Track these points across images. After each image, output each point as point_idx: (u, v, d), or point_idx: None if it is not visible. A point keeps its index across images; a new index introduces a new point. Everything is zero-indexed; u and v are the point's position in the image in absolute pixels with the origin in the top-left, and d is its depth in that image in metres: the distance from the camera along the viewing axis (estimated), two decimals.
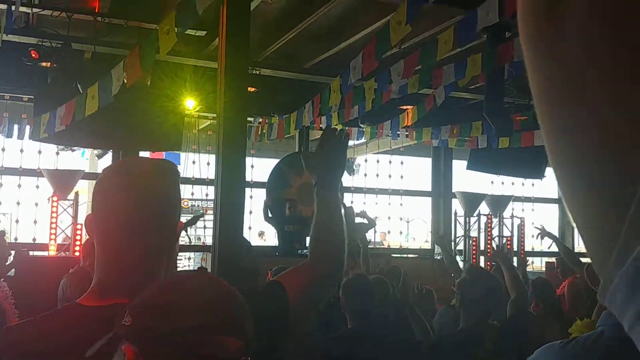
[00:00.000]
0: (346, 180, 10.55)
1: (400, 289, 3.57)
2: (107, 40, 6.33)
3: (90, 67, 6.37)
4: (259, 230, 11.13)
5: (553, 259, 9.23)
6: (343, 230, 1.51)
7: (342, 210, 1.56)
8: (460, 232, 10.61)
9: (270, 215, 8.44)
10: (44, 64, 6.00)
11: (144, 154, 7.99)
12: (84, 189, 8.84)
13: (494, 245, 9.78)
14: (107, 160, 8.87)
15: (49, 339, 1.15)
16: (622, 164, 0.38)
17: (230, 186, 6.22)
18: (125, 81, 4.41)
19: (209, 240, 9.32)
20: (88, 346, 1.07)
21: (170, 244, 1.25)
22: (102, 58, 6.42)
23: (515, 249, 10.69)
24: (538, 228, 6.10)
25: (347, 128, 9.09)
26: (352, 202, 9.62)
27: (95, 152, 9.10)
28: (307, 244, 6.99)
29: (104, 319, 1.10)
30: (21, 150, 7.95)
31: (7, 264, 4.33)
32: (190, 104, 7.71)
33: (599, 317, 1.60)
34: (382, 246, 11.10)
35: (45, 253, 7.49)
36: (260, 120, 8.69)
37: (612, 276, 0.40)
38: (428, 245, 11.05)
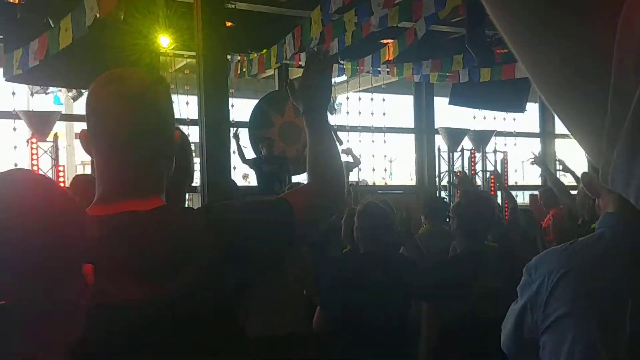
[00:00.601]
0: (329, 118, 10.47)
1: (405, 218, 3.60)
2: None
3: (60, 2, 6.15)
4: (242, 172, 11.11)
5: (536, 192, 9.35)
6: (339, 153, 1.50)
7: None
8: (444, 167, 10.68)
9: (246, 157, 8.40)
10: (10, 0, 5.79)
11: None
12: (62, 133, 8.72)
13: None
14: (83, 101, 8.71)
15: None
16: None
17: (214, 126, 6.14)
18: (99, 12, 4.27)
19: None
20: (103, 255, 1.07)
21: (169, 152, 1.24)
22: None
23: (498, 182, 10.80)
24: (535, 154, 6.10)
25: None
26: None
27: (70, 94, 8.92)
28: (289, 183, 6.99)
29: (114, 227, 1.12)
30: None
31: None
32: (164, 41, 7.51)
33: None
34: (367, 184, 11.15)
35: None
36: (239, 57, 8.52)
37: (609, 158, 0.41)
38: (413, 182, 11.11)
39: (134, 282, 1.08)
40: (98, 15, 4.82)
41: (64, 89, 8.57)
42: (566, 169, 6.12)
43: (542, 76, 0.47)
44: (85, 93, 6.73)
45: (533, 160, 5.89)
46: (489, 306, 2.74)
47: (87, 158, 1.24)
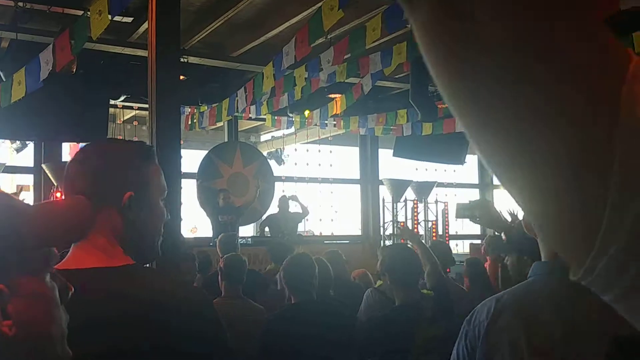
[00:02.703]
0: (276, 170, 10.63)
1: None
2: (29, 27, 6.11)
3: (11, 55, 6.13)
4: (191, 225, 11.01)
5: (478, 241, 9.68)
6: None
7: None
8: (388, 217, 10.92)
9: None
10: None
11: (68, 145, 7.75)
12: (8, 183, 8.50)
13: (398, 225, 10.10)
14: (27, 153, 8.55)
15: None
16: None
17: (166, 178, 6.14)
18: (54, 66, 4.29)
19: None
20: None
21: (112, 203, 1.30)
22: (21, 47, 6.19)
23: (440, 232, 11.11)
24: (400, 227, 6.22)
25: (276, 118, 9.17)
26: (283, 191, 9.70)
27: (14, 145, 8.74)
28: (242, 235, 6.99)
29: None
30: None
31: None
32: (115, 94, 7.55)
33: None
34: (314, 234, 11.26)
35: None
36: (189, 109, 8.61)
37: (595, 263, 0.40)
38: (358, 232, 11.29)
39: None
40: (51, 69, 4.84)
41: (7, 141, 8.39)
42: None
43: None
44: (30, 145, 6.64)
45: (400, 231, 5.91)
46: (431, 356, 2.83)
47: None
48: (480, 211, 5.11)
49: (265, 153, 11.01)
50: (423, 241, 4.13)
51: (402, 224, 10.57)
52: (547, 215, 0.44)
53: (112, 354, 1.12)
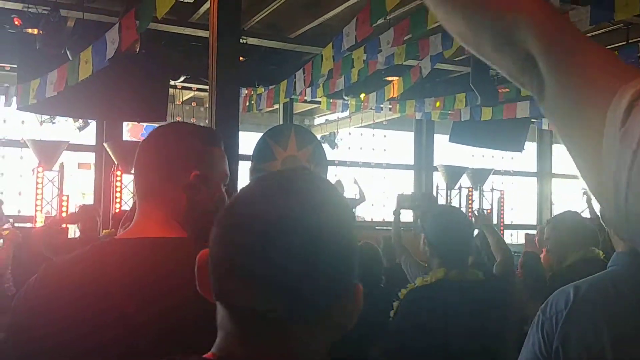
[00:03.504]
0: (329, 153, 10.61)
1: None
2: (95, 6, 6.24)
3: (77, 35, 6.27)
4: None
5: (533, 232, 9.45)
6: None
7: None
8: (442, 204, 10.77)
9: None
10: (29, 30, 5.89)
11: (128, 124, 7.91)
12: (69, 161, 8.76)
13: (474, 211, 9.90)
14: (90, 131, 8.78)
15: (104, 269, 1.19)
16: None
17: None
18: (120, 45, 4.36)
19: None
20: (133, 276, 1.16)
21: (177, 180, 1.35)
22: (86, 25, 6.33)
23: (495, 221, 10.90)
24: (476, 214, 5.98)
25: (331, 101, 9.14)
26: (336, 175, 9.68)
27: (77, 124, 8.99)
28: None
29: (171, 248, 1.25)
30: (4, 121, 7.83)
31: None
32: (174, 74, 7.66)
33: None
34: (364, 220, 11.21)
35: (30, 225, 7.43)
36: (246, 91, 8.66)
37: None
38: (410, 218, 11.18)
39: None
40: (116, 48, 4.92)
41: (70, 119, 8.64)
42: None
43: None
44: (91, 123, 6.82)
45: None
46: (473, 346, 2.57)
47: (88, 189, 1.44)
48: (422, 202, 4.89)
49: (318, 136, 11.00)
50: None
51: (489, 210, 10.33)
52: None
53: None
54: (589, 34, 6.41)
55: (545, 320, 1.55)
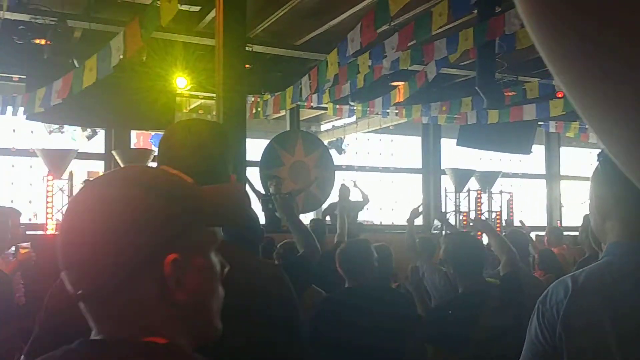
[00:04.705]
0: (336, 159, 10.64)
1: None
2: (101, 17, 6.31)
3: (83, 45, 6.35)
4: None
5: (542, 233, 9.43)
6: None
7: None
8: (450, 207, 10.76)
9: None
10: (37, 41, 5.97)
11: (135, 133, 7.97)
12: (79, 169, 8.83)
13: (470, 216, 9.88)
14: (98, 140, 8.86)
15: None
16: None
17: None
18: (124, 52, 4.41)
19: None
20: None
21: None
22: (93, 35, 6.40)
23: (504, 223, 10.87)
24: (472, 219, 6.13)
25: (337, 107, 9.16)
26: (344, 179, 9.70)
27: (85, 133, 9.07)
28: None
29: None
30: (13, 131, 7.91)
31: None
32: (181, 82, 7.71)
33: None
34: (374, 224, 11.21)
35: (41, 232, 7.49)
36: (253, 98, 8.71)
37: None
38: (419, 222, 11.18)
39: None
40: (122, 56, 4.98)
41: (79, 128, 8.72)
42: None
43: None
44: (100, 132, 6.90)
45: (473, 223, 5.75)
46: (497, 344, 2.74)
47: None
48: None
49: (325, 142, 11.04)
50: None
51: (464, 214, 10.39)
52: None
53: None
54: None
55: (546, 312, 1.57)
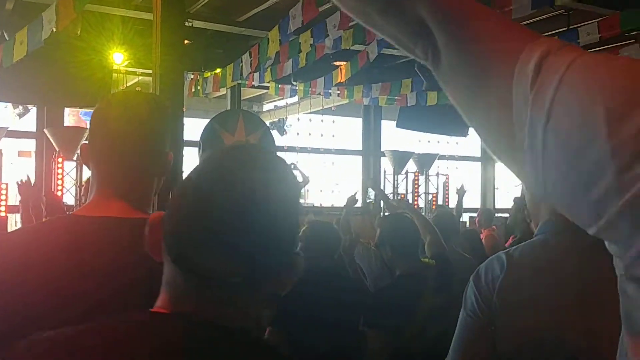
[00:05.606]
0: (278, 139, 10.61)
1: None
2: None
3: (16, 17, 6.05)
4: None
5: (475, 215, 9.71)
6: None
7: None
8: (389, 189, 10.92)
9: None
10: None
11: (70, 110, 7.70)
12: (9, 149, 8.47)
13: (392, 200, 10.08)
14: (30, 118, 8.51)
15: (48, 246, 1.17)
16: None
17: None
18: (57, 25, 4.23)
19: None
20: (90, 254, 1.14)
21: (160, 170, 1.35)
22: (25, 7, 6.12)
23: (440, 204, 11.13)
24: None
25: (280, 86, 9.12)
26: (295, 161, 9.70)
27: (16, 111, 8.70)
28: None
29: (103, 227, 1.21)
30: None
31: None
32: (118, 58, 7.48)
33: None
34: (314, 205, 11.27)
35: None
36: (192, 75, 8.54)
37: (603, 212, 0.47)
38: (359, 204, 11.29)
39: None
40: (54, 29, 4.78)
41: (9, 105, 8.34)
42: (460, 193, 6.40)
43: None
44: (32, 109, 6.65)
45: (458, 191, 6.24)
46: (436, 323, 2.81)
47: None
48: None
49: (267, 123, 10.97)
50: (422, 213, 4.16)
51: (402, 195, 10.57)
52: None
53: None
54: (530, 20, 6.59)
55: (482, 288, 1.61)
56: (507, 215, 9.29)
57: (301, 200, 7.43)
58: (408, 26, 0.60)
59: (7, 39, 5.44)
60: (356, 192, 4.81)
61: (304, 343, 2.83)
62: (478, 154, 12.55)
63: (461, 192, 6.34)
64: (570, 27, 6.37)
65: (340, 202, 11.86)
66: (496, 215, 8.51)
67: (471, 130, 6.51)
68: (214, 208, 0.79)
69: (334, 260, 3.21)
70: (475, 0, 0.58)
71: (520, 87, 0.52)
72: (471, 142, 11.97)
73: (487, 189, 12.67)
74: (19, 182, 4.17)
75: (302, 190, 9.32)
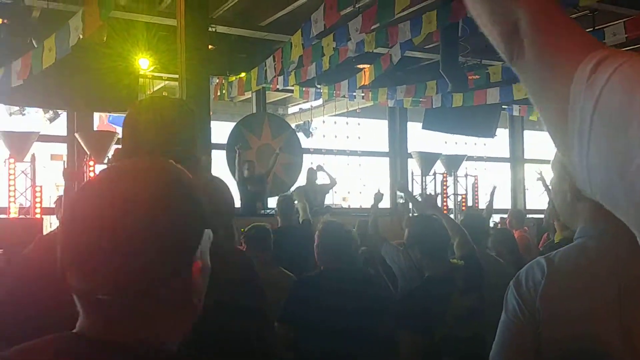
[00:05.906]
0: (304, 142, 10.65)
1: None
2: None
3: (42, 24, 6.21)
4: None
5: (506, 215, 9.59)
6: None
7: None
8: (417, 190, 10.86)
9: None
10: None
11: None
12: (41, 152, 8.69)
13: (422, 195, 10.01)
14: (60, 122, 8.71)
15: None
16: None
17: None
18: (83, 32, 4.34)
19: None
20: None
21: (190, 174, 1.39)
22: (52, 15, 6.27)
23: (469, 206, 11.03)
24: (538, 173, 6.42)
25: (304, 89, 9.16)
26: (312, 163, 9.72)
27: (47, 115, 8.92)
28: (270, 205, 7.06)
29: None
30: None
31: None
32: (144, 63, 7.61)
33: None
34: (342, 207, 11.27)
35: (4, 216, 7.39)
36: (217, 79, 8.64)
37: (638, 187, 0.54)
38: (387, 204, 11.27)
39: None
40: (81, 36, 4.89)
41: (40, 110, 8.56)
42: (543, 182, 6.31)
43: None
44: (62, 114, 6.78)
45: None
46: (466, 325, 2.79)
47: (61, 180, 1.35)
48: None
49: (293, 125, 11.02)
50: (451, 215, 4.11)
51: (445, 204, 10.45)
52: None
53: None
54: None
55: (523, 293, 1.58)
56: (539, 216, 9.13)
57: (328, 202, 7.38)
58: (504, 26, 0.69)
59: (36, 46, 5.59)
60: (379, 190, 4.77)
61: (315, 347, 2.81)
62: (507, 154, 12.40)
63: (493, 191, 6.30)
64: (596, 28, 6.26)
65: (368, 204, 11.86)
66: (527, 216, 8.38)
67: (499, 131, 6.47)
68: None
69: (348, 262, 3.17)
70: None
71: (578, 84, 0.60)
72: (500, 143, 11.84)
73: (517, 189, 12.50)
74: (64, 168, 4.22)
75: (330, 192, 9.35)
